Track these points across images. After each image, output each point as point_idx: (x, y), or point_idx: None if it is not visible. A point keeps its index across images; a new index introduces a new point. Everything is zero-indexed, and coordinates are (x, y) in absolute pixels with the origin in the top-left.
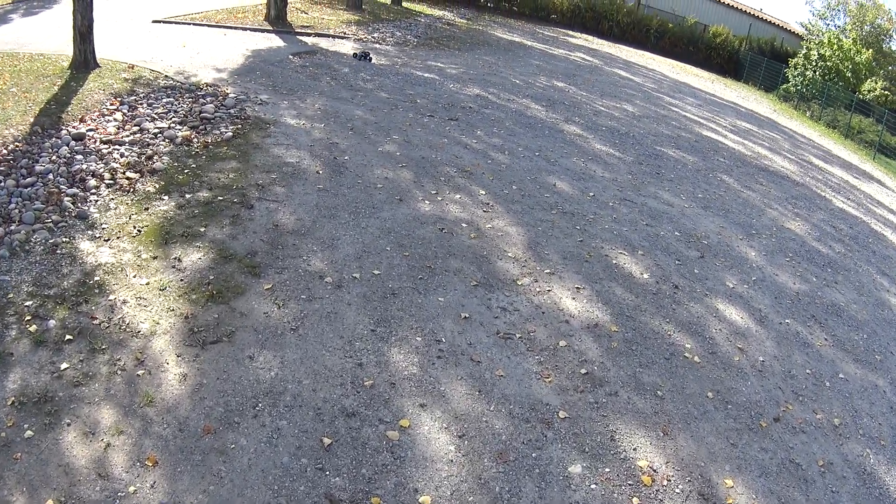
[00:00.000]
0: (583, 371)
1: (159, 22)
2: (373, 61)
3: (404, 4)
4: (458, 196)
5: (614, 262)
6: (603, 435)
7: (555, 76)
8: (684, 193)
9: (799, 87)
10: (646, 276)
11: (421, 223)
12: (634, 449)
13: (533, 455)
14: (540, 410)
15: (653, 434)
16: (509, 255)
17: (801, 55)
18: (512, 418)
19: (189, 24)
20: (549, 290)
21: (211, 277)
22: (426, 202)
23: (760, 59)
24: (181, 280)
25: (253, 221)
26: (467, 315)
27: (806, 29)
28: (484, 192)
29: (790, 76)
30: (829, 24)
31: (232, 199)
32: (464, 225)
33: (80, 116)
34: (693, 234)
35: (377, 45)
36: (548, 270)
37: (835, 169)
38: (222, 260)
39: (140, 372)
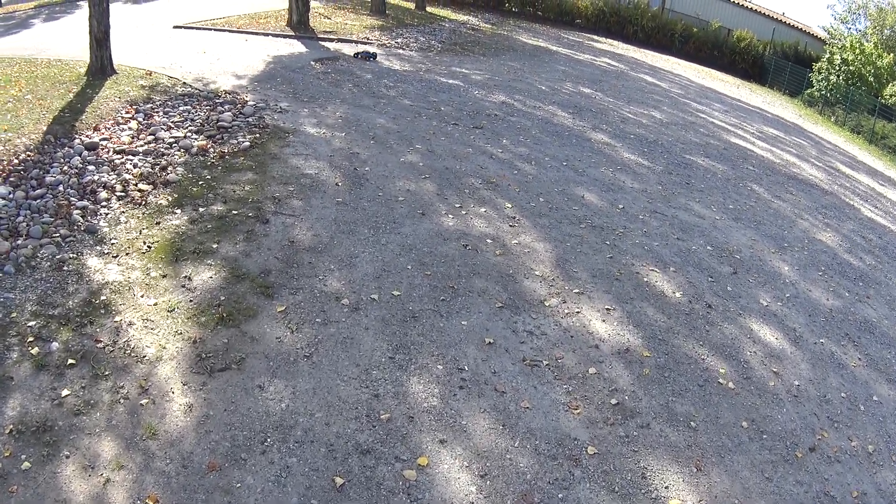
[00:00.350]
0: (613, 401)
1: (180, 27)
2: (377, 59)
3: (428, 9)
4: (482, 209)
5: (645, 279)
6: (633, 472)
7: (581, 82)
8: (715, 204)
9: (823, 92)
10: (678, 294)
11: (444, 239)
12: (666, 487)
13: (559, 496)
14: (567, 446)
15: (685, 470)
16: (536, 273)
17: (824, 59)
18: (537, 455)
19: (210, 29)
20: (577, 312)
21: (222, 298)
22: (449, 216)
23: (784, 64)
24: (191, 301)
25: (268, 237)
26: (492, 340)
27: (828, 33)
28: (510, 205)
29: (814, 81)
30: (850, 29)
31: (247, 214)
32: (489, 241)
33: (94, 125)
34: (725, 248)
35: (401, 51)
36: (576, 290)
37: (861, 176)
38: (234, 279)
39: (144, 401)
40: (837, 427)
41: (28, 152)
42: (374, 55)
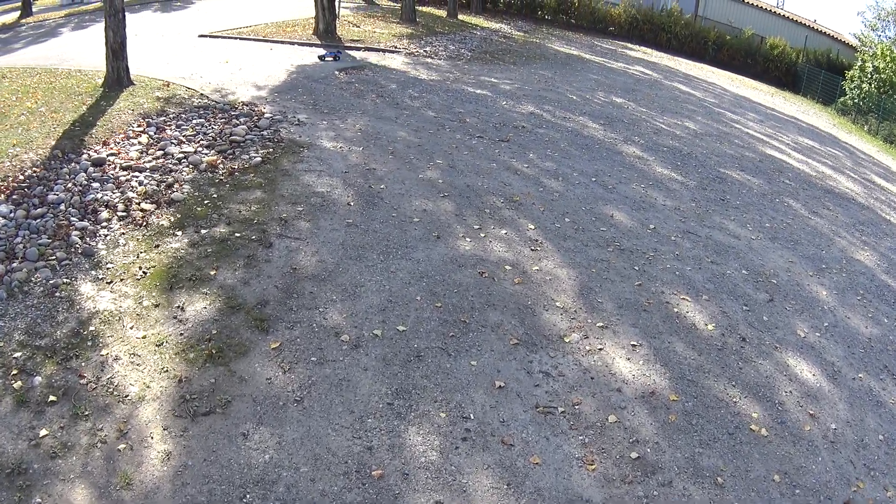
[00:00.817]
0: (633, 455)
1: (205, 36)
2: (339, 59)
3: (460, 17)
4: (503, 231)
5: (676, 310)
6: None
7: (613, 91)
8: (751, 223)
9: (856, 101)
10: (710, 327)
11: (459, 266)
12: None
13: None
14: None
15: None
16: (557, 304)
17: (856, 67)
18: None
19: (236, 38)
20: (600, 349)
21: (213, 332)
22: (467, 239)
23: (817, 72)
24: (181, 334)
25: (269, 263)
26: (503, 383)
27: (859, 40)
28: (533, 227)
29: (847, 89)
30: (880, 36)
31: (250, 236)
32: (507, 267)
33: (103, 139)
34: (761, 273)
35: (429, 60)
36: (600, 323)
37: None
38: (229, 311)
39: (121, 446)
40: (873, 475)
41: (34, 168)
42: (337, 54)
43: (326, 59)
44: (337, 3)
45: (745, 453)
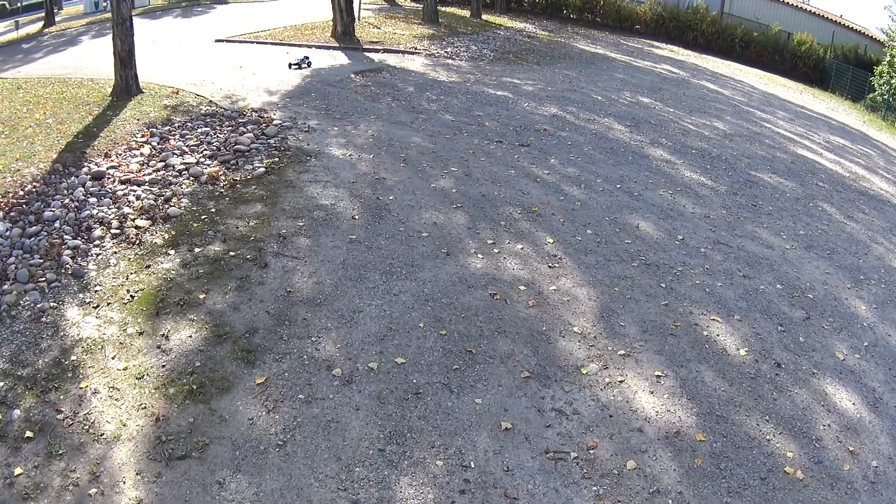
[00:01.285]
0: None
1: (222, 41)
2: (311, 65)
3: (484, 17)
4: (519, 246)
5: (705, 332)
6: None
7: (640, 91)
8: (785, 231)
9: (885, 97)
10: (742, 352)
11: (468, 287)
12: None
13: None
14: None
15: None
16: (575, 329)
17: (884, 63)
18: None
19: (252, 42)
20: (621, 382)
21: (197, 364)
22: (478, 256)
23: (846, 68)
24: (163, 366)
25: (263, 286)
26: (510, 424)
27: (887, 35)
28: (551, 241)
29: (876, 85)
30: None
31: (245, 256)
32: (522, 288)
33: (105, 151)
34: (797, 287)
35: (450, 61)
36: (622, 351)
37: None
38: (215, 340)
39: (92, 490)
40: None
41: (34, 183)
42: (304, 60)
43: (293, 67)
44: (358, 4)
45: (779, 501)
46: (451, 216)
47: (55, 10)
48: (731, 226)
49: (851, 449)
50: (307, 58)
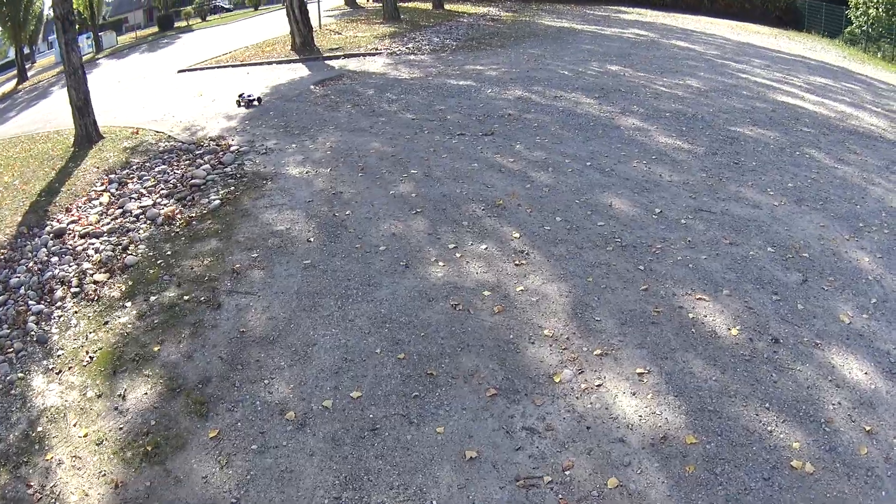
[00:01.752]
0: None
1: (184, 71)
2: (261, 103)
3: (447, 7)
4: (483, 247)
5: (691, 315)
6: None
7: (608, 59)
8: (772, 186)
9: (864, 28)
10: (734, 331)
11: (428, 300)
12: None
13: None
14: None
15: None
16: (545, 332)
17: None
18: None
19: (214, 67)
20: (598, 386)
21: (152, 423)
22: (439, 264)
23: (819, 5)
24: (120, 429)
25: (216, 329)
26: (475, 452)
27: None
28: (518, 235)
29: (853, 17)
30: None
31: (199, 298)
32: (486, 293)
33: (66, 206)
34: (790, 246)
35: (411, 57)
36: (598, 350)
37: None
38: (169, 395)
39: None
40: None
41: (2, 250)
42: (257, 99)
43: (241, 105)
44: (318, 13)
45: (787, 503)
46: (410, 224)
47: (28, 65)
48: (712, 189)
49: (868, 428)
50: (251, 96)
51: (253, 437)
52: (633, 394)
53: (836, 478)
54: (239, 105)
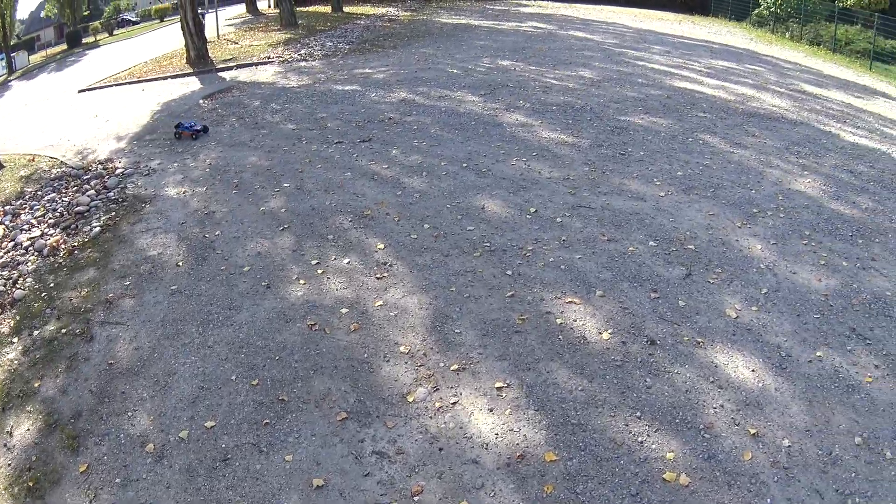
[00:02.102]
0: None
1: (84, 91)
2: (207, 132)
3: (346, 9)
4: (346, 261)
5: (559, 321)
6: None
7: (501, 54)
8: (659, 175)
9: (772, 9)
10: (606, 335)
11: (286, 321)
12: None
13: None
14: None
15: None
16: (402, 349)
17: None
18: None
19: (112, 85)
20: (454, 404)
21: (34, 458)
22: (300, 282)
23: None
24: (9, 465)
25: (88, 362)
26: (322, 480)
27: None
28: (382, 246)
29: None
30: None
31: (75, 331)
32: (344, 311)
33: None
34: (674, 239)
35: (303, 63)
36: (456, 365)
37: (832, 92)
38: (47, 430)
39: None
40: None
41: None
42: (202, 128)
43: (182, 136)
44: (216, 22)
45: None
46: (276, 241)
47: None
48: (594, 184)
49: (753, 431)
50: (194, 125)
51: (117, 470)
52: (491, 410)
53: (715, 488)
54: (178, 138)
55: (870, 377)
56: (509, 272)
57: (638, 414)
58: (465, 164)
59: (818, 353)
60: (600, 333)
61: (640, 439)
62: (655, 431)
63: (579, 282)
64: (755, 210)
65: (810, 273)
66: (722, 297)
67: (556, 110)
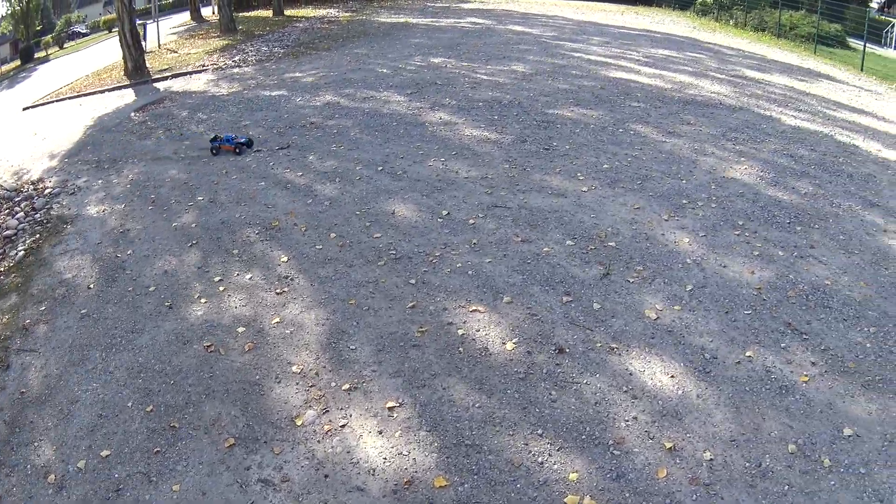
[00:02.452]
0: None
1: (28, 108)
2: (252, 146)
3: (288, 12)
4: (248, 277)
5: (460, 332)
6: None
7: (434, 52)
8: (584, 169)
9: None
10: (510, 346)
11: (184, 343)
12: None
13: None
14: None
15: None
16: (294, 369)
17: None
18: None
19: (54, 101)
20: (343, 426)
21: None
22: (202, 301)
23: None
24: None
25: (4, 392)
26: None
27: None
28: (286, 259)
29: None
30: None
31: None
32: (241, 329)
33: None
34: (594, 236)
35: (236, 70)
36: (347, 384)
37: (775, 76)
38: None
39: None
40: None
41: None
42: (247, 141)
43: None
44: (158, 31)
45: None
46: (183, 258)
47: None
48: (512, 182)
49: (670, 444)
50: (239, 139)
51: (24, 502)
52: (380, 432)
53: None
54: (215, 153)
55: (805, 376)
56: (413, 281)
57: (540, 431)
58: (380, 168)
59: (747, 353)
60: (504, 344)
61: (540, 459)
62: (558, 450)
63: (486, 288)
64: (685, 201)
65: (742, 265)
66: (642, 298)
67: (482, 107)
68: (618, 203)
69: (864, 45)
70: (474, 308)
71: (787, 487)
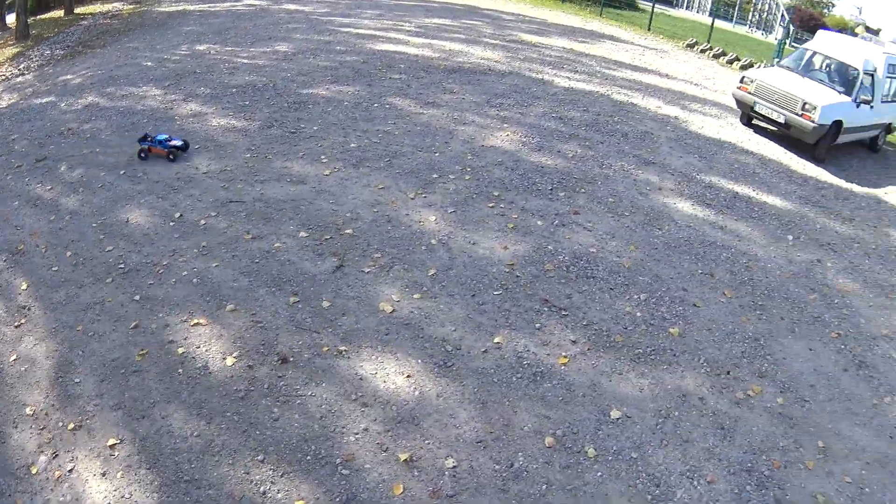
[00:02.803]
0: None
1: None
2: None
3: (79, 10)
4: None
5: (181, 350)
6: None
7: (202, 38)
8: (329, 150)
9: None
10: (231, 360)
11: None
12: None
13: None
14: None
15: None
16: (27, 411)
17: None
18: None
19: None
20: (70, 471)
21: None
22: None
23: None
24: None
25: None
26: None
27: None
28: (25, 287)
29: None
30: None
31: None
32: None
33: None
34: (330, 224)
35: (19, 78)
36: (73, 423)
37: (553, 40)
38: None
39: None
40: None
41: None
42: (184, 145)
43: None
44: None
45: None
46: None
47: None
48: (252, 172)
49: (406, 456)
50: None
51: None
52: (104, 474)
53: None
54: (144, 158)
55: (565, 357)
56: (137, 297)
57: (261, 457)
58: (122, 172)
59: (496, 340)
60: (224, 359)
61: (262, 489)
62: (282, 476)
63: (210, 296)
64: (435, 175)
65: (494, 241)
66: (377, 289)
67: (235, 93)
68: (361, 184)
69: (653, 6)
70: (196, 321)
71: (545, 487)
